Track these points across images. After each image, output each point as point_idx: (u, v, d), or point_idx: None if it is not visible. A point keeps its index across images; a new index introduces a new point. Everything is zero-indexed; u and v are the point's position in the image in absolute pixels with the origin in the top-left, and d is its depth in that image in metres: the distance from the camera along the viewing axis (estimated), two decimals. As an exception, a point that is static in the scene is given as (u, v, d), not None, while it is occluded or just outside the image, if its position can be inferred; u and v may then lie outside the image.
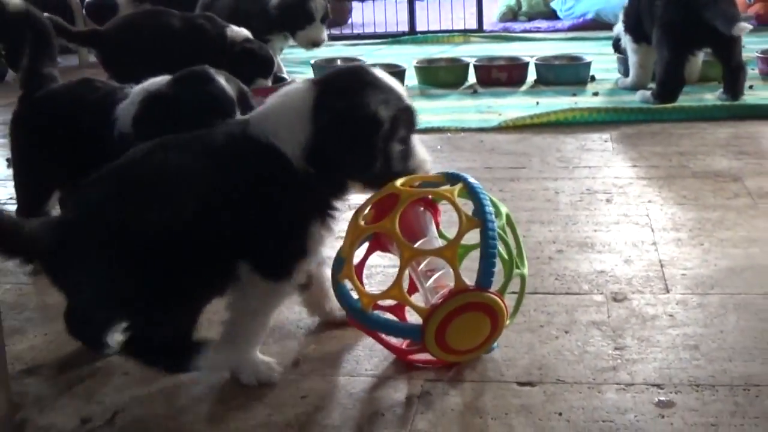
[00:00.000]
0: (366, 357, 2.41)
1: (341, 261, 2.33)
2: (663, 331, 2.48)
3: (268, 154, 2.22)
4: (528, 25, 8.37)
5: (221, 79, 2.69)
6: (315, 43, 6.00)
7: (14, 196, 3.29)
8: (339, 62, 6.22)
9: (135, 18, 4.93)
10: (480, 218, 2.27)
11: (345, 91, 2.29)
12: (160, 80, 2.75)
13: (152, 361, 2.30)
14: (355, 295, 2.35)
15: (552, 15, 8.54)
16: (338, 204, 2.32)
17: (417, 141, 2.40)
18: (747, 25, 4.69)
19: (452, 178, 2.39)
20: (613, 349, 2.39)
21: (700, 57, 5.21)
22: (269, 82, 5.02)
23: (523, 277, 2.38)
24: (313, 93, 2.29)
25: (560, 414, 2.11)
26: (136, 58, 4.29)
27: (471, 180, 2.36)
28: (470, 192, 2.32)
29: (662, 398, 2.16)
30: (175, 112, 2.59)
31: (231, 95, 2.67)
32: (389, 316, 2.46)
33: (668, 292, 2.73)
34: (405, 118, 2.33)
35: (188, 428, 2.14)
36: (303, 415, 2.17)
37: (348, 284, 2.36)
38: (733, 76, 4.94)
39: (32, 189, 3.07)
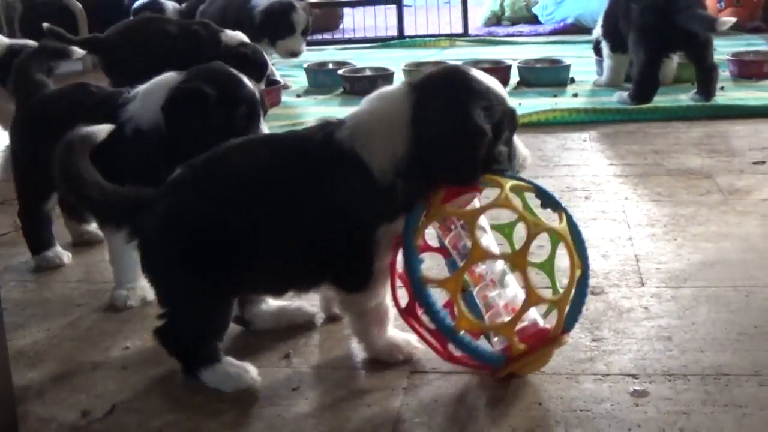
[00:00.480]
0: (355, 350, 2.40)
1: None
2: (638, 323, 2.48)
3: (347, 164, 2.12)
4: (511, 30, 8.36)
5: (245, 79, 2.65)
6: (293, 54, 5.98)
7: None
8: (330, 65, 6.21)
9: (134, 24, 4.91)
10: (582, 264, 2.17)
11: (446, 99, 2.12)
12: (172, 75, 2.70)
13: (176, 354, 2.30)
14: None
15: (534, 20, 8.54)
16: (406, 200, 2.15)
17: (516, 137, 2.28)
18: (729, 19, 4.71)
19: (550, 201, 2.26)
20: (590, 340, 2.38)
21: (675, 60, 5.23)
22: (262, 86, 5.02)
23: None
24: (412, 101, 2.13)
25: (540, 404, 2.10)
26: (135, 63, 4.27)
27: (570, 212, 2.25)
28: (572, 229, 2.20)
29: (637, 388, 2.15)
30: (207, 107, 2.55)
31: (258, 96, 2.64)
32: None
33: (643, 285, 2.72)
34: (508, 120, 2.19)
35: (185, 420, 2.13)
36: (294, 406, 2.16)
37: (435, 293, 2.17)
38: (706, 77, 4.95)
39: (31, 191, 3.05)
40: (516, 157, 2.25)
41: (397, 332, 2.36)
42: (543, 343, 2.13)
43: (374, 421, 2.08)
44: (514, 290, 2.24)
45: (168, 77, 2.70)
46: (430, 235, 2.38)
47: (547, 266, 2.32)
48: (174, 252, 2.19)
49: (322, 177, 2.15)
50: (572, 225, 2.20)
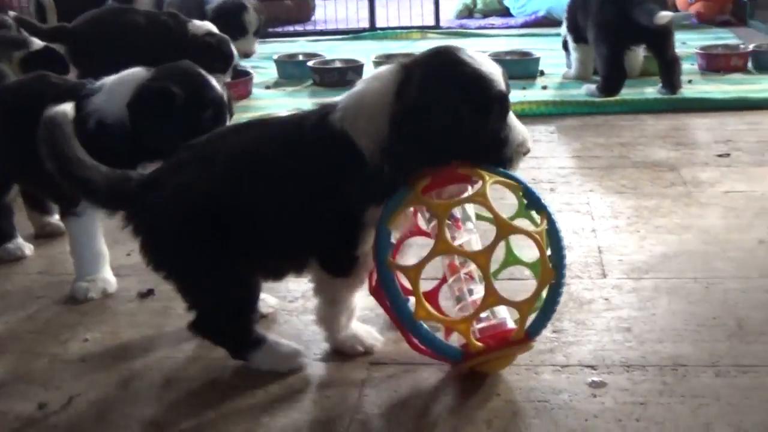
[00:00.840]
0: (315, 341, 2.40)
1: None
2: (598, 315, 2.49)
3: (338, 144, 2.10)
4: (483, 22, 8.35)
5: (213, 80, 2.67)
6: (245, 55, 5.89)
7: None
8: (300, 57, 6.20)
9: (101, 15, 4.88)
10: (557, 272, 2.11)
11: (427, 78, 2.07)
12: (140, 71, 2.69)
13: (217, 341, 2.31)
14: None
15: (506, 12, 8.54)
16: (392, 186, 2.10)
17: (514, 120, 2.17)
18: (667, 13, 4.72)
19: (534, 202, 2.18)
20: (551, 332, 2.38)
21: (641, 52, 5.24)
22: (228, 78, 5.01)
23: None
24: (398, 80, 2.10)
25: (498, 395, 2.11)
26: (103, 54, 4.25)
27: (553, 217, 2.16)
28: (552, 234, 2.13)
29: (595, 379, 2.16)
30: (173, 107, 2.56)
31: (225, 97, 2.66)
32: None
33: (605, 277, 2.73)
34: (497, 104, 2.09)
35: (141, 412, 2.12)
36: (251, 399, 2.16)
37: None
38: (668, 70, 4.97)
39: None
40: (510, 142, 2.14)
41: (359, 324, 2.36)
42: (502, 344, 2.12)
43: (332, 413, 2.08)
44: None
45: (135, 72, 2.69)
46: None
47: (537, 267, 2.21)
48: (186, 233, 2.18)
49: (314, 157, 2.14)
50: (552, 230, 2.14)
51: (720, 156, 3.89)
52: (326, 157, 2.12)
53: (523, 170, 3.66)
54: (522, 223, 2.15)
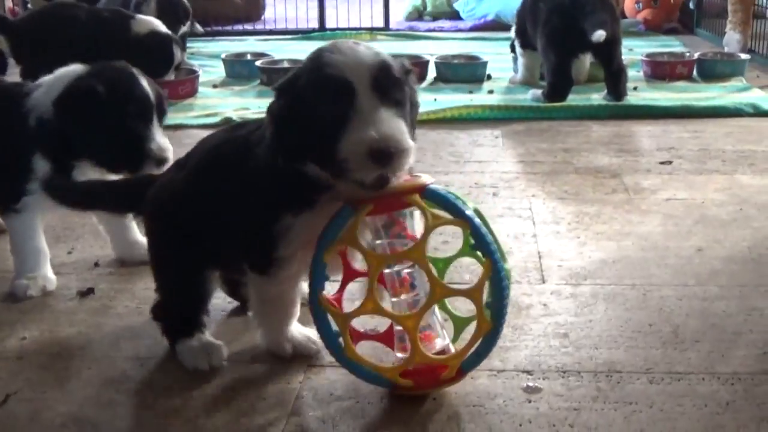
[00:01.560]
0: (251, 345, 2.41)
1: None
2: (536, 320, 2.51)
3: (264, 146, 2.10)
4: (432, 25, 8.39)
5: (143, 79, 2.66)
6: None
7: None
8: (248, 56, 6.18)
9: (44, 10, 4.85)
10: (495, 321, 2.06)
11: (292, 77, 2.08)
12: (77, 69, 2.69)
13: (164, 329, 2.36)
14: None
15: (455, 15, 8.58)
16: (315, 195, 2.06)
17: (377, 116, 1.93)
18: (602, 33, 4.74)
19: (480, 243, 2.05)
20: (488, 336, 2.40)
21: (587, 59, 5.29)
22: (171, 76, 4.99)
23: (507, 272, 2.12)
24: None
25: (434, 399, 2.12)
26: (42, 49, 4.22)
27: (476, 223, 2.06)
28: (494, 281, 2.05)
29: (530, 384, 2.18)
30: (98, 106, 2.56)
31: (151, 97, 2.65)
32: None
33: (544, 282, 2.75)
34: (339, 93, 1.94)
35: (78, 412, 2.11)
36: (188, 400, 2.15)
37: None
38: (614, 79, 5.02)
39: None
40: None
41: (299, 327, 2.36)
42: (431, 383, 2.11)
43: (269, 415, 2.08)
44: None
45: (72, 70, 2.70)
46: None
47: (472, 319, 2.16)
48: (154, 228, 2.38)
49: (243, 160, 2.16)
50: (496, 278, 2.04)
51: (662, 163, 3.93)
52: (253, 158, 2.12)
53: (466, 174, 3.76)
54: (465, 261, 2.15)
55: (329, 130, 1.92)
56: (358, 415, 2.07)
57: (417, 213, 2.12)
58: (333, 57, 1.95)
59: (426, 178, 2.08)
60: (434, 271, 2.04)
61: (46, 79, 2.72)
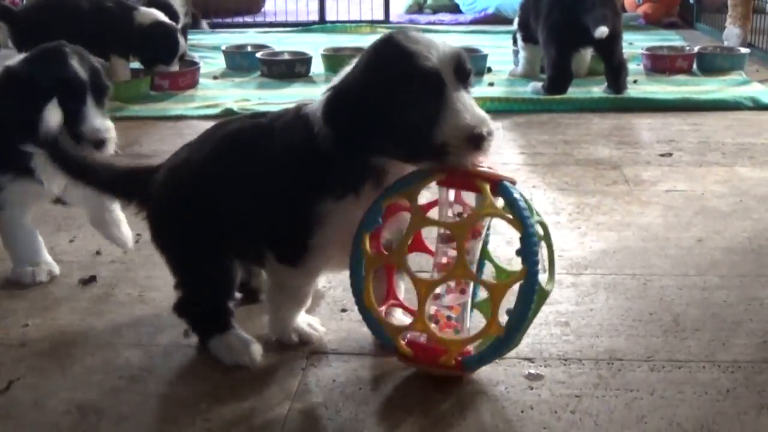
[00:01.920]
0: (253, 333, 2.39)
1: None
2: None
3: (301, 130, 2.11)
4: (432, 18, 8.40)
5: (74, 59, 2.57)
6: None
7: None
8: (249, 48, 6.19)
9: (47, 0, 4.85)
10: (507, 330, 2.02)
11: (358, 64, 2.08)
12: (18, 57, 2.67)
13: (192, 325, 2.35)
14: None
15: (455, 9, 8.58)
16: (360, 182, 2.07)
17: (459, 103, 1.96)
18: (605, 29, 4.77)
19: (524, 251, 2.04)
20: (490, 324, 2.41)
21: (588, 53, 5.30)
22: (175, 67, 4.99)
23: (543, 290, 2.11)
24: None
25: (437, 386, 2.11)
26: (45, 38, 4.21)
27: (529, 230, 2.03)
28: (524, 289, 2.02)
29: (532, 371, 2.19)
30: (28, 90, 2.51)
31: (82, 76, 2.55)
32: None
33: (545, 271, 2.75)
34: (419, 81, 1.96)
35: (81, 397, 2.11)
36: (193, 385, 2.16)
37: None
38: (614, 73, 5.05)
39: None
40: (442, 125, 1.96)
41: (303, 315, 2.37)
42: (428, 361, 2.11)
43: (271, 401, 2.08)
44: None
45: (15, 59, 2.67)
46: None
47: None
48: (168, 216, 2.31)
49: (276, 144, 2.17)
50: (527, 287, 2.02)
51: (662, 155, 3.95)
52: (289, 142, 2.14)
53: (467, 165, 3.74)
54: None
55: (423, 119, 1.96)
56: (360, 401, 2.08)
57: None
58: (417, 47, 1.97)
59: (508, 177, 2.09)
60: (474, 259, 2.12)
61: None
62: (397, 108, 1.97)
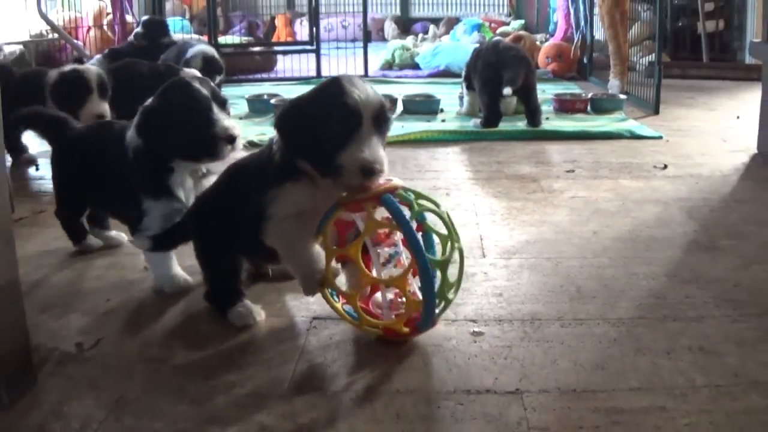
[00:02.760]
0: (264, 303, 2.41)
1: None
2: (479, 284, 2.54)
3: (270, 155, 2.13)
4: (399, 73, 8.37)
5: (196, 83, 2.39)
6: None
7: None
8: (265, 96, 6.17)
9: (120, 65, 4.83)
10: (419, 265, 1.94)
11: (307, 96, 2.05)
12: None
13: (216, 307, 2.35)
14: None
15: (416, 66, 8.56)
16: (294, 177, 2.04)
17: (363, 142, 1.95)
18: (509, 90, 4.85)
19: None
20: (445, 295, 2.42)
21: (513, 99, 5.30)
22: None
23: (461, 250, 2.12)
24: None
25: (406, 341, 2.12)
26: (121, 94, 4.19)
27: (406, 228, 1.97)
28: (407, 239, 1.97)
29: (476, 329, 2.21)
30: (164, 119, 2.36)
31: (206, 94, 2.37)
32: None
33: (484, 257, 2.79)
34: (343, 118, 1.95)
35: (147, 352, 2.13)
36: (228, 341, 2.17)
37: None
38: (531, 114, 5.08)
39: None
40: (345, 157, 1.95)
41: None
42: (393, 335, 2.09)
43: (285, 354, 2.10)
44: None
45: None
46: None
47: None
48: (196, 234, 2.37)
49: (254, 164, 2.22)
50: (421, 273, 1.96)
51: (568, 171, 3.97)
52: (260, 162, 2.17)
53: (426, 180, 3.78)
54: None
55: (336, 144, 1.94)
56: (350, 354, 2.09)
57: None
58: (351, 89, 1.95)
59: (396, 182, 2.06)
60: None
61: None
62: (323, 129, 1.95)
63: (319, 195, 2.05)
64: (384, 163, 1.96)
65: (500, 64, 4.94)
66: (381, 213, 2.02)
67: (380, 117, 1.98)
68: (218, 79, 5.70)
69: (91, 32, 8.37)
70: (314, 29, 8.18)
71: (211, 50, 5.89)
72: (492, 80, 4.98)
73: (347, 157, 1.93)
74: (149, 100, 2.44)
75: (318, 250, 2.08)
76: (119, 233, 2.97)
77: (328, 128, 1.94)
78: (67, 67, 4.08)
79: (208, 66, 5.59)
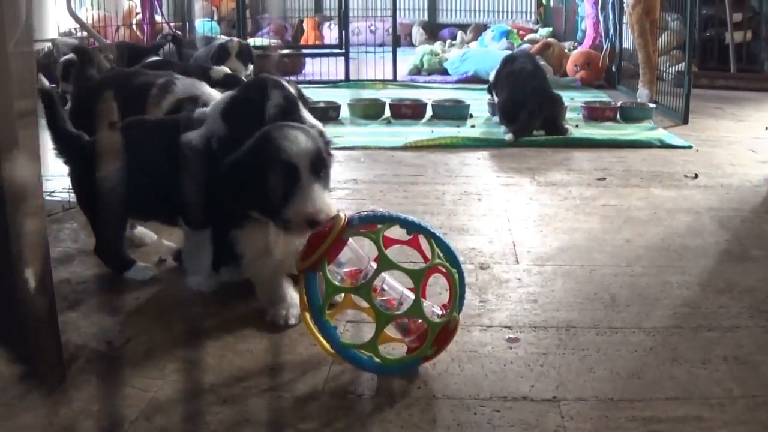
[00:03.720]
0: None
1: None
2: (513, 290, 2.51)
3: None
4: (428, 78, 8.34)
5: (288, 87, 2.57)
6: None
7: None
8: (296, 99, 6.16)
9: (152, 64, 4.83)
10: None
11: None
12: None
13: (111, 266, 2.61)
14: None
15: (444, 72, 8.52)
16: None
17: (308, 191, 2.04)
18: (511, 137, 4.78)
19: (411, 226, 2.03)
20: (479, 302, 2.41)
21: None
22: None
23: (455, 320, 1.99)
24: None
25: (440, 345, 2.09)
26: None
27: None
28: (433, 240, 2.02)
29: (511, 336, 2.19)
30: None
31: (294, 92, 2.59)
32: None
33: (518, 263, 2.75)
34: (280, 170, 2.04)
35: (185, 352, 2.11)
36: (261, 343, 2.16)
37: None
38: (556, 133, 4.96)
39: None
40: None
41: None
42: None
43: (318, 357, 2.04)
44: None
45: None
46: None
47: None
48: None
49: None
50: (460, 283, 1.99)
51: (599, 179, 3.93)
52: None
53: (458, 185, 3.76)
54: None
55: (280, 198, 2.03)
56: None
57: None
58: (285, 144, 2.03)
59: (340, 216, 1.96)
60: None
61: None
62: (264, 187, 2.03)
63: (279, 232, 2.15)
64: (330, 207, 2.02)
65: (516, 89, 4.92)
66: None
67: (318, 164, 2.06)
68: (250, 68, 5.72)
69: (120, 31, 8.40)
70: (344, 33, 8.17)
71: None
72: (510, 112, 4.94)
73: (291, 212, 2.02)
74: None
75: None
76: (147, 231, 2.96)
77: (269, 186, 2.03)
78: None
79: (243, 54, 5.59)
